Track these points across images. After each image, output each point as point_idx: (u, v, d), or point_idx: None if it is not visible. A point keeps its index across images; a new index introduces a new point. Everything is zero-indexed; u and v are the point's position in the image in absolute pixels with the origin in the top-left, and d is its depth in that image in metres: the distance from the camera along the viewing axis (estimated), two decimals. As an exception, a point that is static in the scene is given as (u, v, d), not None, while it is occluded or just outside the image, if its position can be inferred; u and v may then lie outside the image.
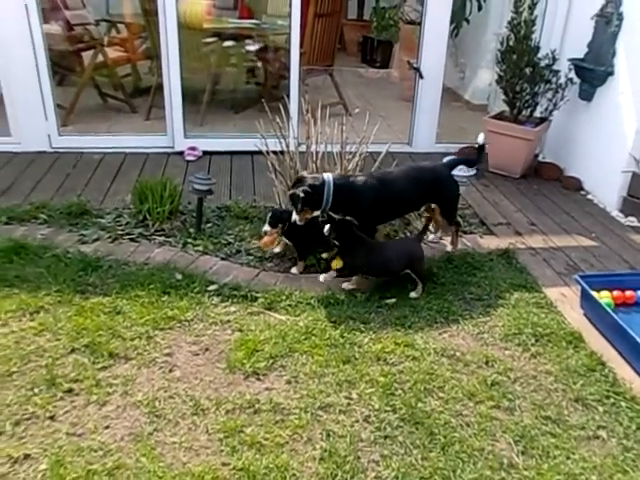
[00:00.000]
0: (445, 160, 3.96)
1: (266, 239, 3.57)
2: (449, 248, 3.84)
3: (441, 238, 3.94)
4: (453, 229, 3.85)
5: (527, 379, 2.80)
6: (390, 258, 3.36)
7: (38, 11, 4.72)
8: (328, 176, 3.35)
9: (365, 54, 9.01)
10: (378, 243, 3.57)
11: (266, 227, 3.49)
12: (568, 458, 2.40)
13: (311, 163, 3.89)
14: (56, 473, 2.19)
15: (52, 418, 2.43)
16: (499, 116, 5.24)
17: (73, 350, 2.79)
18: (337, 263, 3.41)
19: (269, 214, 3.50)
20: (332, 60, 6.50)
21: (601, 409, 2.65)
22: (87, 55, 5.94)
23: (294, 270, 3.51)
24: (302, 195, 3.23)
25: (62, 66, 5.82)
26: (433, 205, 3.74)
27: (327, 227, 3.29)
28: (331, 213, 3.37)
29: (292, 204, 3.32)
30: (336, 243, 3.34)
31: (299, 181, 3.35)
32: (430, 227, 3.73)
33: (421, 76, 5.35)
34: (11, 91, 4.88)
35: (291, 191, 3.32)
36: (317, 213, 3.36)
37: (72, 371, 2.66)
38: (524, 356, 2.94)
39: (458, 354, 2.92)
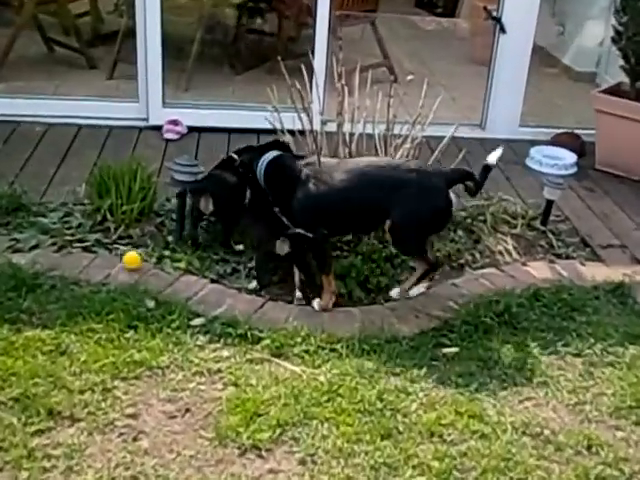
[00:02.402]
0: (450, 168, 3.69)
1: None
2: (394, 292, 3.62)
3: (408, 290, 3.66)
4: (419, 270, 3.62)
5: (648, 474, 2.77)
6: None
7: None
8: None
9: (422, -5, 9.07)
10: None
11: None
12: None
13: (343, 148, 3.92)
14: None
15: (-36, 502, 2.47)
16: (614, 90, 5.23)
17: (-3, 404, 2.82)
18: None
19: None
20: (376, 3, 6.54)
21: None
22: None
23: None
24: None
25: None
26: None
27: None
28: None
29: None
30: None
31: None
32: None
33: (503, 30, 5.36)
34: None
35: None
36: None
37: (-5, 434, 2.68)
38: (644, 440, 2.92)
39: (547, 433, 2.90)
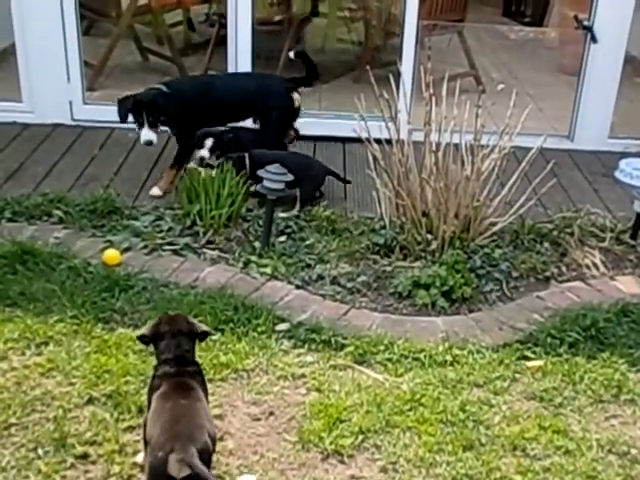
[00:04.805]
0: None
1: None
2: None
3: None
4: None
5: None
6: None
7: None
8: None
9: (510, 4, 8.96)
10: None
11: (204, 152, 4.30)
12: None
13: (429, 157, 3.91)
14: None
15: (59, 492, 2.54)
16: None
17: (91, 400, 2.89)
18: None
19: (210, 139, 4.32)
20: (463, 12, 6.50)
21: None
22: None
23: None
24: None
25: (91, 9, 6.14)
26: None
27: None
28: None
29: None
30: None
31: None
32: None
33: (594, 39, 5.26)
34: (26, 41, 5.15)
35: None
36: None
37: (88, 429, 2.76)
38: None
39: (634, 452, 2.83)
